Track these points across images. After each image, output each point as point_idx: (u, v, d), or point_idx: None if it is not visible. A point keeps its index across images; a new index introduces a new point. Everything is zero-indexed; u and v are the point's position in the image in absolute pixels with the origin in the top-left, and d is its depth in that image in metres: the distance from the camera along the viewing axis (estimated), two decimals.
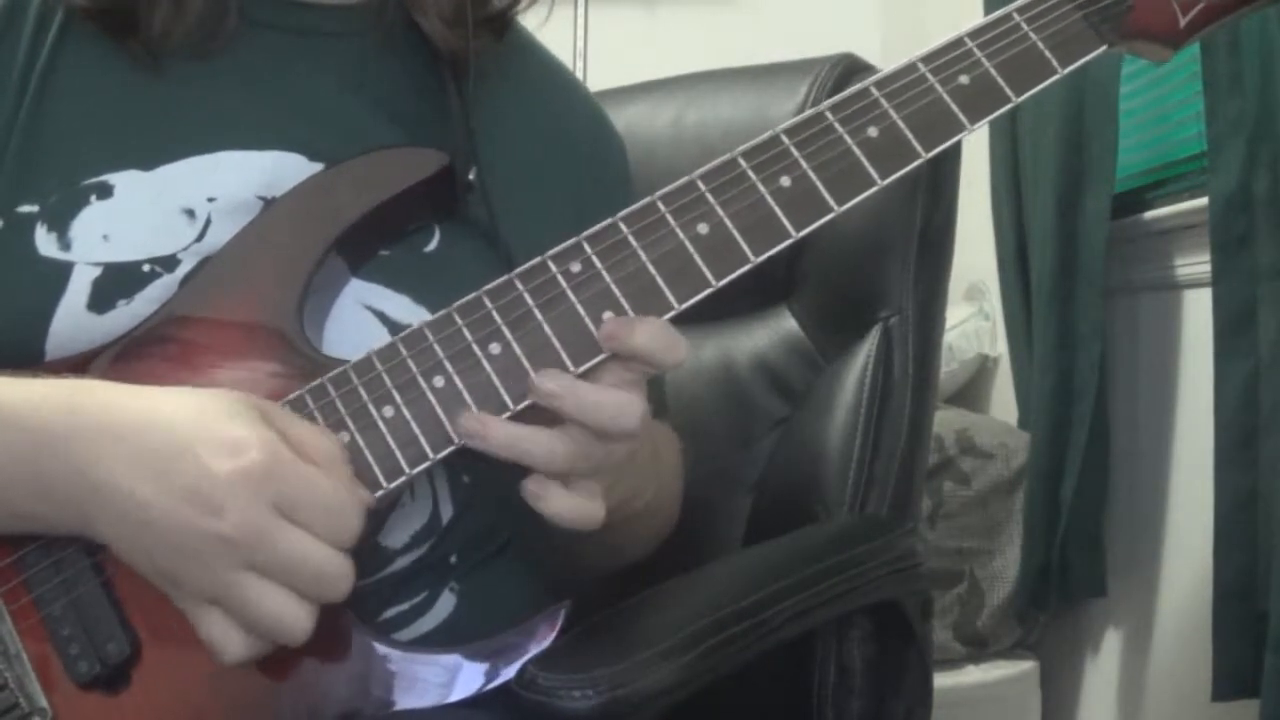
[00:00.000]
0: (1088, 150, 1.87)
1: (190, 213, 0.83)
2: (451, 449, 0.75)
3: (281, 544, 0.69)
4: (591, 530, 0.77)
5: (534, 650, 0.77)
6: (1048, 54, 0.80)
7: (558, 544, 0.87)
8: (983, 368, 2.48)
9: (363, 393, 0.76)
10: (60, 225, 0.82)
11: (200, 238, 0.83)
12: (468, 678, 0.76)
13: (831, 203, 0.78)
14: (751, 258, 0.77)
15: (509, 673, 0.76)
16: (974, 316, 2.44)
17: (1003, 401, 2.40)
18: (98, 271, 0.81)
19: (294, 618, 0.70)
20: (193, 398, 0.73)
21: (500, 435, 0.74)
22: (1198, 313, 1.72)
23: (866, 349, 1.14)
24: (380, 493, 0.75)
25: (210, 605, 0.71)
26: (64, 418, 0.73)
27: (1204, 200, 1.58)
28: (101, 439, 0.71)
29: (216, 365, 0.78)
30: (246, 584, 0.69)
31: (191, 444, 0.70)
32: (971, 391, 2.50)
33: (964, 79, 0.80)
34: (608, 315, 0.76)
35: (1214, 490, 1.54)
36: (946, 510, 2.03)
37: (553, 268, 0.77)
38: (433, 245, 0.87)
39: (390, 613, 0.84)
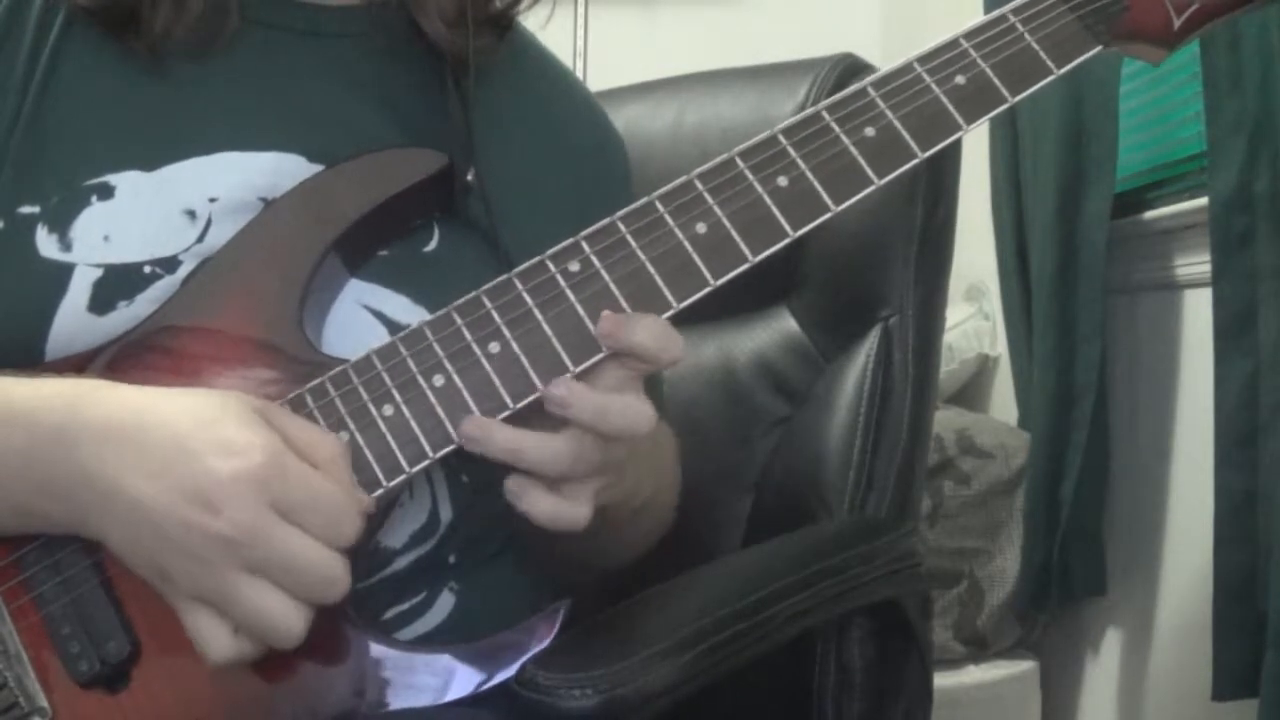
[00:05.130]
0: (1088, 150, 1.87)
1: (191, 213, 0.83)
2: (451, 448, 0.76)
3: (278, 545, 0.69)
4: (574, 532, 0.77)
5: (533, 649, 0.77)
6: (1043, 55, 0.80)
7: (557, 543, 0.87)
8: (983, 368, 2.48)
9: (362, 392, 0.76)
10: (61, 226, 0.82)
11: (201, 239, 0.83)
12: (467, 677, 0.76)
13: (829, 202, 0.78)
14: (750, 257, 0.77)
15: (508, 672, 0.76)
16: (974, 316, 2.44)
17: (1003, 401, 2.40)
18: (98, 273, 0.82)
19: (288, 619, 0.70)
20: (193, 398, 0.73)
21: (502, 440, 0.75)
22: (1198, 313, 1.71)
23: (866, 349, 1.14)
24: (379, 491, 0.75)
25: (201, 603, 0.71)
26: (67, 415, 0.73)
27: (1204, 200, 1.58)
28: (103, 436, 0.72)
29: (214, 370, 0.78)
30: (242, 584, 0.69)
31: (192, 444, 0.70)
32: (971, 391, 2.50)
33: (960, 79, 0.80)
34: (606, 314, 0.76)
35: (1214, 490, 1.53)
36: (946, 510, 2.03)
37: (551, 267, 0.77)
38: (432, 245, 0.88)
39: (389, 613, 0.84)
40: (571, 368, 0.76)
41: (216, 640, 0.71)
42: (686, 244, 0.77)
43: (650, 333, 0.75)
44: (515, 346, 0.76)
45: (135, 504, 0.70)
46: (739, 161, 0.78)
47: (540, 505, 0.76)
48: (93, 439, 0.72)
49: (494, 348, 0.76)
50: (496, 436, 0.75)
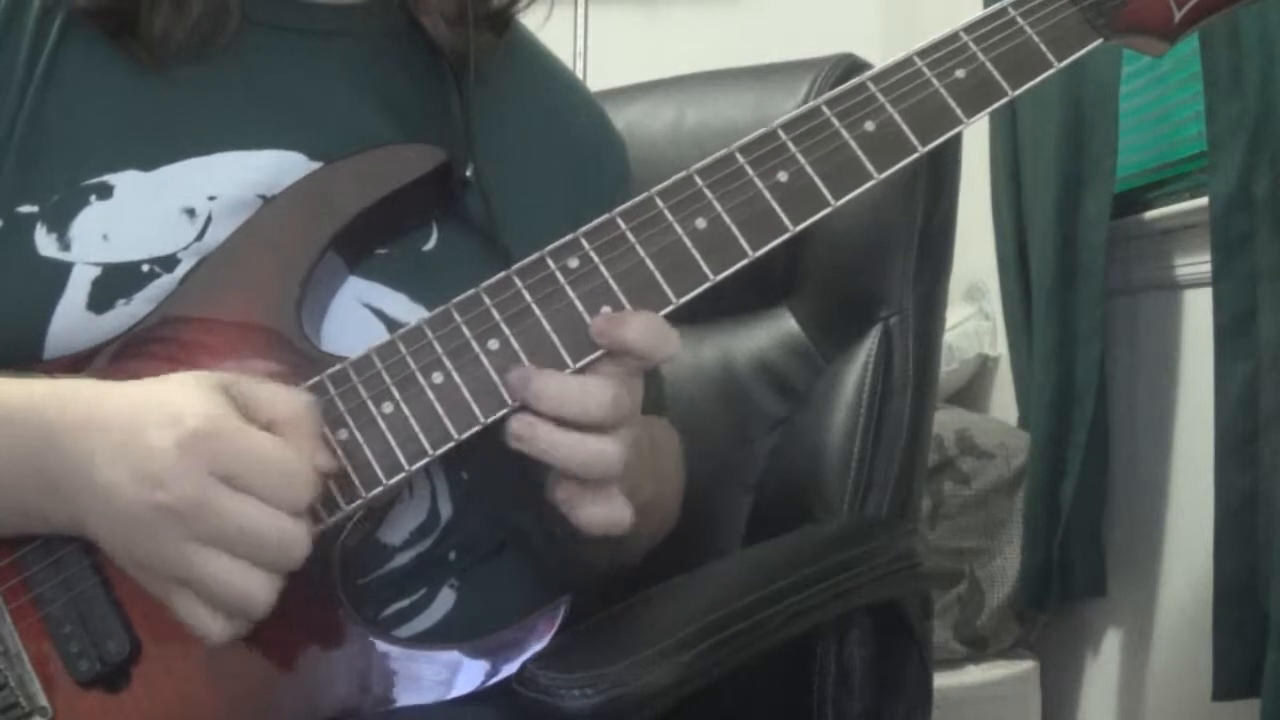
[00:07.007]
0: (1088, 150, 1.87)
1: (190, 212, 0.83)
2: (450, 445, 0.75)
3: (222, 512, 0.68)
4: (620, 535, 0.77)
5: (534, 647, 0.77)
6: (1043, 48, 0.80)
7: (557, 542, 0.87)
8: (983, 368, 2.48)
9: (362, 390, 0.76)
10: (60, 225, 0.82)
11: (200, 237, 0.83)
12: (468, 674, 0.76)
13: (829, 197, 0.78)
14: (749, 252, 0.77)
15: (509, 670, 0.76)
16: (974, 316, 2.44)
17: (1003, 401, 2.40)
18: (97, 271, 0.81)
19: (249, 587, 0.69)
20: (159, 383, 0.73)
21: (546, 438, 0.75)
22: (1198, 313, 1.71)
23: (866, 349, 1.14)
24: (379, 489, 0.75)
25: (180, 586, 0.70)
26: (56, 414, 0.73)
27: (1204, 200, 1.58)
28: (87, 433, 0.71)
29: (214, 364, 0.78)
30: (196, 556, 0.68)
31: (142, 423, 0.70)
32: (971, 391, 2.50)
33: (960, 73, 0.80)
34: (606, 310, 0.76)
35: (1214, 490, 1.53)
36: (946, 510, 2.03)
37: (551, 264, 0.77)
38: (431, 244, 0.88)
39: (389, 609, 0.84)
40: (571, 364, 0.76)
41: (204, 620, 0.70)
42: (686, 239, 0.77)
43: (642, 330, 0.75)
44: (515, 343, 0.76)
45: (104, 492, 0.70)
46: (738, 156, 0.78)
47: (593, 511, 0.76)
48: (75, 436, 0.72)
49: (493, 345, 0.76)
50: (542, 435, 0.75)
